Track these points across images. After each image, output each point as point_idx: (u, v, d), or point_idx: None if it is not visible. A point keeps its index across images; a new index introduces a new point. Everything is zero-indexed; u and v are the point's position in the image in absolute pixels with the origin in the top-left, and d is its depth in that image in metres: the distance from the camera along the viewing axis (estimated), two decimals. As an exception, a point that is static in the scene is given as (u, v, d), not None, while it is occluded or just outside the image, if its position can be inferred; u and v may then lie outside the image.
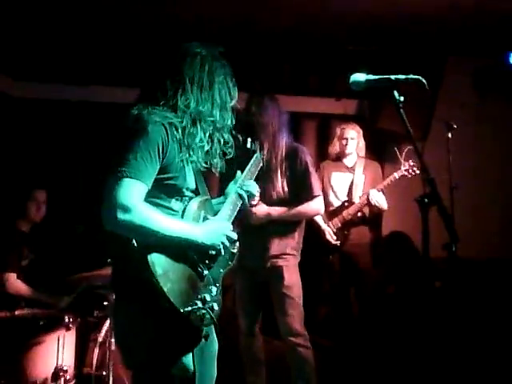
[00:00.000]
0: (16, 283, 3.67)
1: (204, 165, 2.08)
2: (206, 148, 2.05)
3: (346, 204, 4.42)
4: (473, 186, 4.92)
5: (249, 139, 2.67)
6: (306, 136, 5.25)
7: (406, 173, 4.24)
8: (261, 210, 3.31)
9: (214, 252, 2.02)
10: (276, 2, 4.34)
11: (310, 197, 3.42)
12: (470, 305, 4.17)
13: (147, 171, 1.84)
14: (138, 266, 1.81)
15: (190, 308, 1.84)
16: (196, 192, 2.09)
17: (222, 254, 2.05)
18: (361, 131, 4.55)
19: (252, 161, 2.71)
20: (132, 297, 1.88)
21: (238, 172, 2.54)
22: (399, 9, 4.38)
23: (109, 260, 3.40)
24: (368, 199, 4.28)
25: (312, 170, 3.46)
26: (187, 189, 2.03)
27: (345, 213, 4.36)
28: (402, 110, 1.93)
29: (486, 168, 5.22)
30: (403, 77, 1.96)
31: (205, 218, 2.07)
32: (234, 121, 2.15)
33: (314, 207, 3.46)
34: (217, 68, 2.08)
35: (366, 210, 4.42)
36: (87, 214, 4.59)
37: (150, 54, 4.92)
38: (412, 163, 4.21)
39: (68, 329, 3.29)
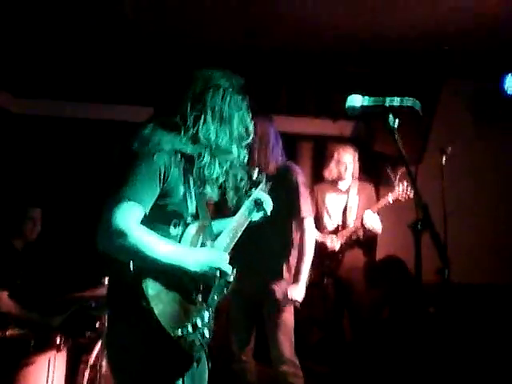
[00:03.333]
0: (8, 302, 3.63)
1: (216, 198, 2.09)
2: (221, 181, 2.04)
3: (339, 227, 4.40)
4: (466, 210, 4.92)
5: (256, 170, 2.63)
6: (302, 157, 5.26)
7: (399, 196, 4.23)
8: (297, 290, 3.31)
9: (205, 282, 1.99)
10: (273, 23, 4.39)
11: (297, 217, 3.37)
12: (463, 330, 4.15)
13: (146, 195, 1.82)
14: (131, 287, 1.80)
15: (180, 332, 1.81)
16: (196, 217, 2.04)
17: (213, 284, 2.02)
18: (356, 154, 4.53)
19: (258, 189, 2.63)
20: (124, 317, 1.86)
21: (246, 201, 2.48)
22: (397, 31, 4.43)
23: (103, 280, 3.39)
24: (362, 222, 4.27)
25: (303, 190, 3.41)
26: (187, 214, 2.00)
27: (339, 235, 4.35)
28: (396, 135, 1.93)
29: (480, 193, 5.22)
30: (398, 102, 1.96)
31: (203, 244, 2.03)
32: (246, 157, 2.14)
33: (310, 233, 3.41)
34: (237, 101, 2.07)
35: (361, 233, 4.39)
36: (82, 233, 4.60)
37: (150, 72, 5.04)
38: (406, 186, 4.20)
39: (59, 350, 3.26)
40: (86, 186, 4.82)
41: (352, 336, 4.42)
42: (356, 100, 2.06)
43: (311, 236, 3.45)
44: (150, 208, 1.84)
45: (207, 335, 1.94)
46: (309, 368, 3.36)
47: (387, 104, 1.93)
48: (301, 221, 3.40)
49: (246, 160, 2.14)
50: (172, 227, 1.95)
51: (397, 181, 4.22)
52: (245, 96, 2.12)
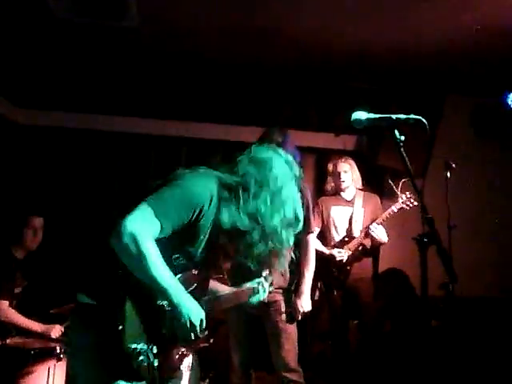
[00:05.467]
0: (8, 311, 3.60)
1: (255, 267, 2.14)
2: (262, 257, 2.09)
3: (346, 239, 4.38)
4: (469, 224, 4.91)
5: (265, 272, 2.60)
6: (305, 170, 5.23)
7: (403, 205, 4.22)
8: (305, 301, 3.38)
9: (181, 321, 1.98)
10: (278, 38, 4.42)
11: (306, 232, 3.44)
12: (466, 344, 4.13)
13: (172, 220, 1.89)
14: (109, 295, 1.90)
15: (134, 346, 1.88)
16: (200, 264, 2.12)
17: (188, 327, 2.00)
18: (353, 163, 4.52)
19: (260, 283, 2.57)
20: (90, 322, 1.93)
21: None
22: (399, 47, 4.46)
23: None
24: (367, 233, 4.26)
25: (311, 206, 3.50)
26: (194, 257, 2.07)
27: (345, 248, 4.34)
28: (402, 149, 1.94)
29: (481, 207, 5.23)
30: (404, 117, 1.97)
31: (192, 291, 2.08)
32: (292, 242, 2.18)
33: (312, 246, 3.51)
34: (294, 191, 2.13)
35: (368, 243, 4.37)
36: (82, 243, 4.60)
37: (151, 85, 5.08)
38: (409, 195, 4.20)
39: (59, 359, 3.25)
40: (89, 197, 4.82)
41: (357, 348, 4.38)
42: (362, 114, 2.09)
43: (314, 249, 3.54)
44: (169, 232, 1.91)
45: (155, 366, 1.96)
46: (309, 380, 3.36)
47: (394, 117, 1.95)
48: (307, 235, 3.47)
49: (291, 244, 2.17)
50: (175, 258, 2.03)
51: (399, 190, 4.21)
52: (302, 188, 2.23)
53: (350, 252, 4.31)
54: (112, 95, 5.09)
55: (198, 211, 1.93)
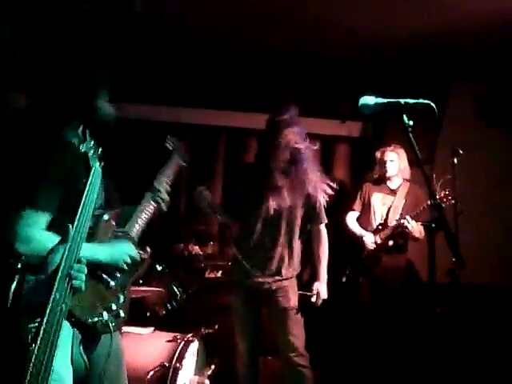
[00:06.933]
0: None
1: None
2: None
3: (380, 227, 4.34)
4: (476, 211, 4.86)
5: (169, 137, 2.64)
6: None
7: (440, 201, 3.94)
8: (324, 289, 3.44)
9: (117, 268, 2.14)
10: (283, 24, 4.38)
11: (318, 222, 3.48)
12: (472, 331, 4.12)
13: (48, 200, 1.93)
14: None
15: (96, 319, 2.00)
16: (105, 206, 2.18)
17: (125, 269, 2.16)
18: (402, 153, 4.41)
19: (169, 162, 2.61)
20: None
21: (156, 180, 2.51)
22: (407, 32, 4.41)
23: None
24: (399, 224, 4.18)
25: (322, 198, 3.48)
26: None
27: (377, 235, 4.30)
28: (410, 135, 1.92)
29: (486, 193, 5.18)
30: (413, 101, 1.95)
31: (115, 233, 2.20)
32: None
33: (325, 234, 3.52)
34: None
35: (399, 236, 4.29)
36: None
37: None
38: (447, 192, 3.98)
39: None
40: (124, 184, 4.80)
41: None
42: (370, 99, 2.07)
43: (326, 238, 3.54)
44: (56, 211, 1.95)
45: (122, 314, 2.14)
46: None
47: (402, 102, 1.93)
48: (319, 224, 3.50)
49: None
50: None
51: (439, 186, 4.07)
52: None
53: (380, 240, 4.28)
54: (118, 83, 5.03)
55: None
